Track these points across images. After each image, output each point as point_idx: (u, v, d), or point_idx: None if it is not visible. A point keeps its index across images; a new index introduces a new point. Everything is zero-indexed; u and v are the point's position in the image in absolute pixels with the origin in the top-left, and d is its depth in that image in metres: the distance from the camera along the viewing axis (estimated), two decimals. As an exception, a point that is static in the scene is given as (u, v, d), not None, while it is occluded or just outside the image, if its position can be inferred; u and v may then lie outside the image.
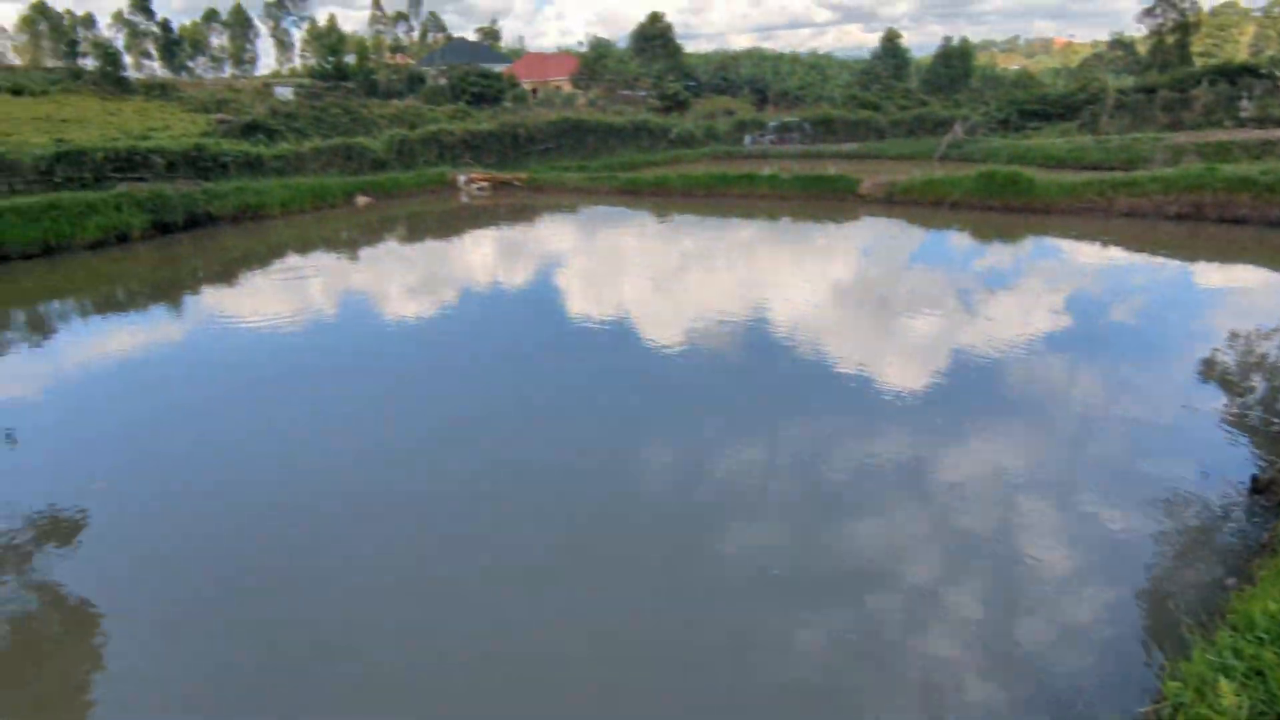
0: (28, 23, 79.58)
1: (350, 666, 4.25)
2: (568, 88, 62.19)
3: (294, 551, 5.40)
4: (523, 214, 22.63)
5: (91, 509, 5.98)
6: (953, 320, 10.44)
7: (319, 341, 10.43)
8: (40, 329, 11.77)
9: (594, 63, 63.54)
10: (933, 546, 5.23)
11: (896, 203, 20.76)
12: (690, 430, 7.25)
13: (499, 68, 61.10)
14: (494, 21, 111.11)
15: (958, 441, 6.81)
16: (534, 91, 57.72)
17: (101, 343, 10.84)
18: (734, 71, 61.40)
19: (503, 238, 18.95)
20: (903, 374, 8.41)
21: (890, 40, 58.01)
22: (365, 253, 17.53)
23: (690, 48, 70.86)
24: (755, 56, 65.71)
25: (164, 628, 4.65)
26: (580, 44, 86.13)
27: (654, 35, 62.50)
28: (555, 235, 19.01)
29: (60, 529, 5.77)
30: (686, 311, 11.35)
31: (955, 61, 55.75)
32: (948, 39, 57.37)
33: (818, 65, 64.86)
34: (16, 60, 74.29)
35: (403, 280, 14.36)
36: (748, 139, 39.17)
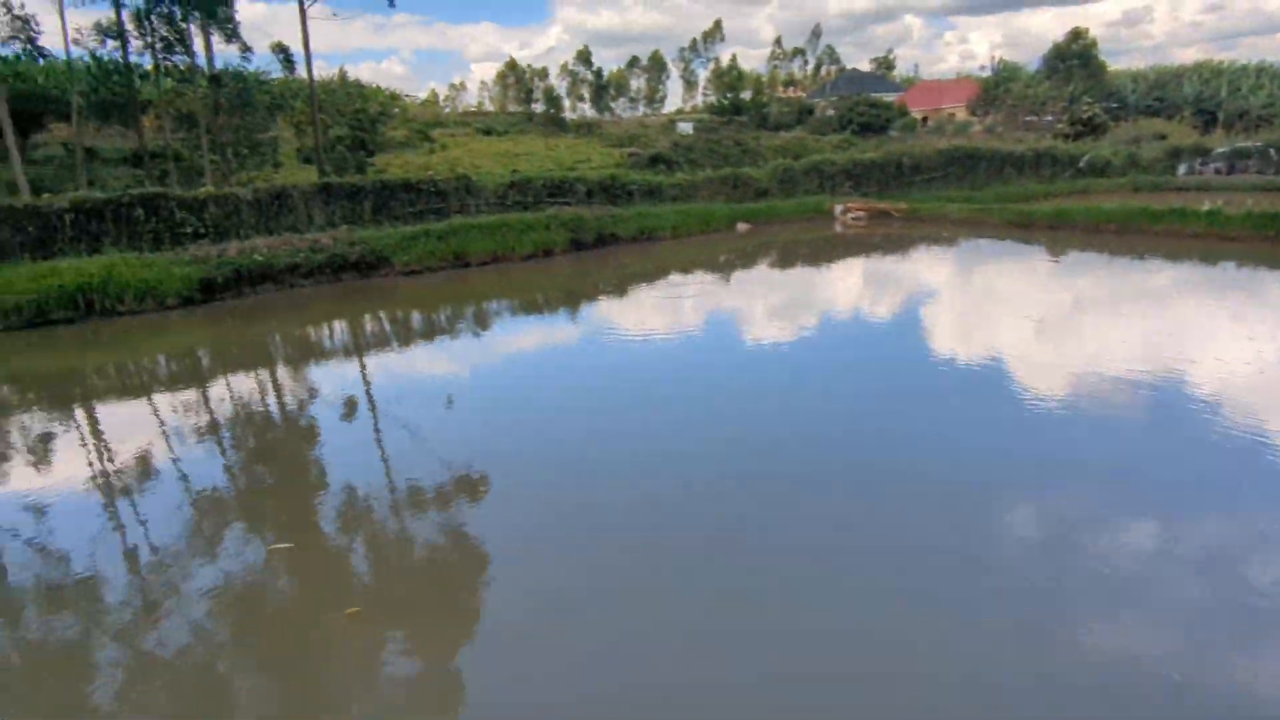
0: (501, 77, 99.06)
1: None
2: (962, 115, 58.63)
3: (661, 519, 5.81)
4: (897, 244, 21.83)
5: (497, 469, 7.15)
6: None
7: (689, 352, 11.19)
8: (482, 322, 14.46)
9: (995, 87, 58.97)
10: None
11: None
12: (1055, 498, 6.25)
13: (890, 97, 59.89)
14: (889, 52, 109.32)
15: None
16: (924, 120, 55.50)
17: (520, 337, 13.01)
18: (1173, 89, 52.22)
19: (872, 268, 18.47)
20: None
21: None
22: (739, 275, 18.42)
23: (1117, 65, 62.00)
24: (1205, 71, 55.00)
25: (537, 568, 5.33)
26: (982, 69, 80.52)
27: (1072, 54, 56.00)
28: (928, 268, 17.96)
29: (472, 482, 7.00)
30: (1073, 362, 9.88)
31: None
32: None
33: (1296, 78, 52.15)
34: (491, 107, 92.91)
35: (768, 303, 14.78)
36: (1182, 168, 32.97)
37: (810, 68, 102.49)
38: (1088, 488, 6.48)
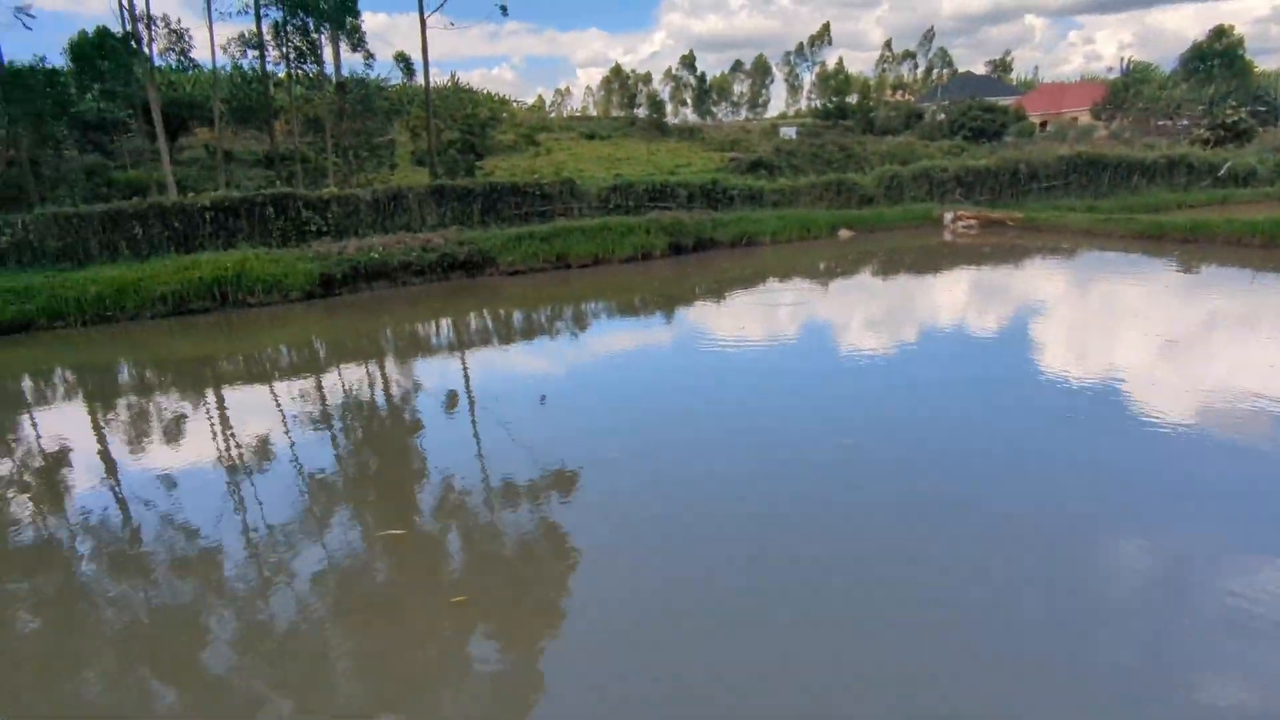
0: (605, 82, 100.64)
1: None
2: (1086, 119, 55.44)
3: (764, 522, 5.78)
4: (1009, 255, 20.82)
5: (590, 470, 7.27)
6: None
7: (784, 362, 11.04)
8: (580, 323, 14.71)
9: (1124, 90, 55.40)
10: None
11: None
12: (1175, 534, 5.79)
13: (1006, 100, 57.30)
14: (1007, 53, 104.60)
15: None
16: (1043, 125, 52.79)
17: (617, 338, 13.16)
18: (1333, 91, 47.71)
19: (981, 279, 17.67)
20: None
21: None
22: (838, 283, 18.03)
23: (1266, 64, 57.12)
24: (1372, 70, 49.96)
25: (615, 567, 5.38)
26: (1110, 70, 75.92)
27: (1214, 53, 52.03)
28: (1042, 280, 17.02)
29: (564, 479, 7.13)
30: (1203, 384, 9.15)
31: None
32: None
33: None
34: (594, 112, 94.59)
35: (868, 313, 14.39)
36: (1342, 177, 30.06)
37: (920, 71, 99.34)
38: (1219, 522, 6.01)
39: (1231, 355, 10.60)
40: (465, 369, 11.78)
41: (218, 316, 15.69)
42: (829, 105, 62.09)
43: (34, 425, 9.79)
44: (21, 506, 7.17)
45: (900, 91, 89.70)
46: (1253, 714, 4.06)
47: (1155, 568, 5.49)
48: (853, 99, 63.27)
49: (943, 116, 51.91)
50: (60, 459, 8.50)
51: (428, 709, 4.35)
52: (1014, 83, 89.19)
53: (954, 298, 15.62)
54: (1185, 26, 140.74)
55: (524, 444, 8.16)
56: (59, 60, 25.89)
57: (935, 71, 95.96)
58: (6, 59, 22.83)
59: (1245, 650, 4.51)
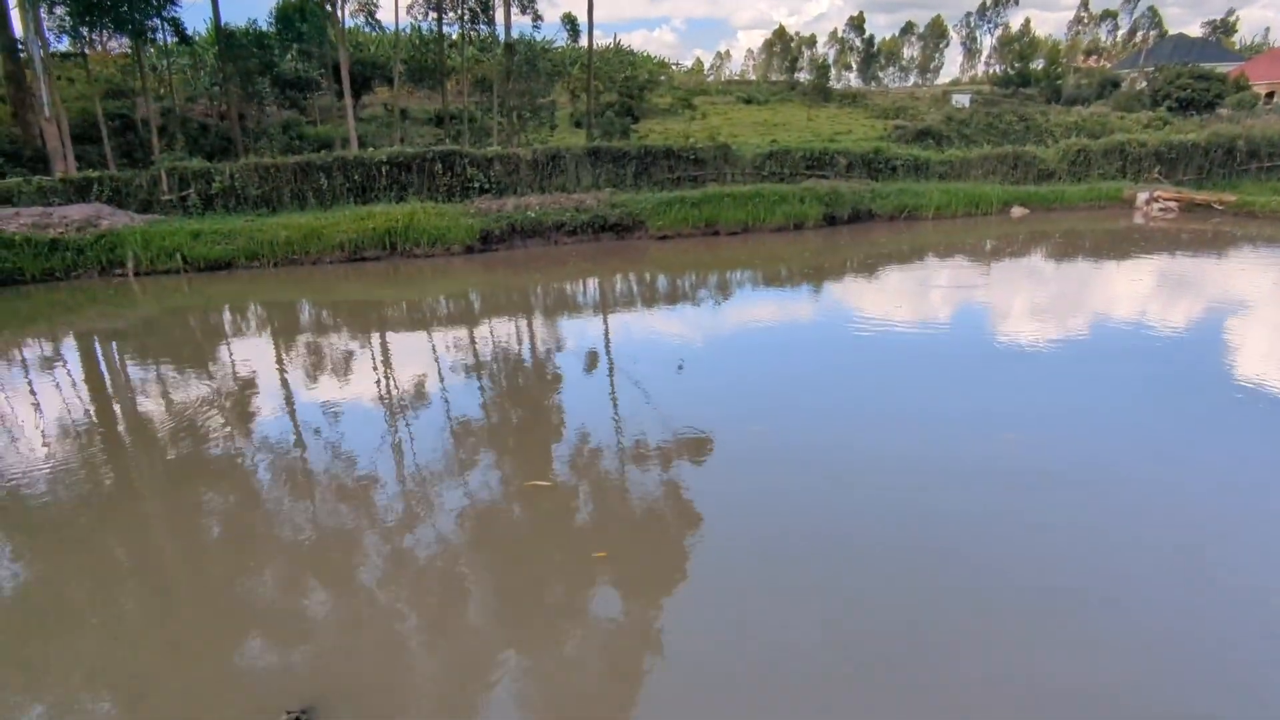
0: (768, 45, 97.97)
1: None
2: (1326, 90, 48.21)
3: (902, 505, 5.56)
4: (1211, 243, 18.53)
5: (719, 438, 7.22)
6: None
7: (933, 348, 10.42)
8: (724, 290, 14.57)
9: (1381, 56, 47.44)
10: None
11: None
12: None
13: (1226, 67, 50.71)
14: (1230, 13, 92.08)
15: None
16: (1269, 95, 46.35)
17: (757, 309, 12.93)
18: None
19: (1171, 268, 15.82)
20: None
21: None
22: (1003, 265, 16.76)
23: None
24: None
25: (737, 539, 5.32)
26: (1364, 32, 65.42)
27: None
28: (1246, 272, 14.99)
29: (693, 446, 7.12)
30: None
31: None
32: None
33: None
34: (753, 76, 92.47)
35: (1031, 300, 13.26)
36: None
37: (1122, 33, 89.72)
38: None
39: None
40: (607, 330, 12.00)
41: (387, 264, 16.83)
42: (1009, 71, 57.43)
43: (230, 354, 10.94)
44: (214, 425, 8.06)
45: (1095, 56, 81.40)
46: None
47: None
48: (1037, 64, 58.18)
49: (1144, 84, 46.70)
50: (249, 385, 9.46)
51: (555, 650, 4.51)
52: (1236, 47, 78.58)
53: (1135, 289, 14.11)
54: None
55: (661, 407, 8.21)
56: (267, 24, 28.33)
57: (1140, 34, 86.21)
58: (223, 22, 25.24)
59: None
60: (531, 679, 4.30)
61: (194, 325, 12.75)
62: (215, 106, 30.08)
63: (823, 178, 22.91)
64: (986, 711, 4.00)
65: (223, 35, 25.19)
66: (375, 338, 11.75)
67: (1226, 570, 5.16)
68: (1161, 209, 23.40)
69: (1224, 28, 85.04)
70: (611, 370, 9.85)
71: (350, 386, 9.27)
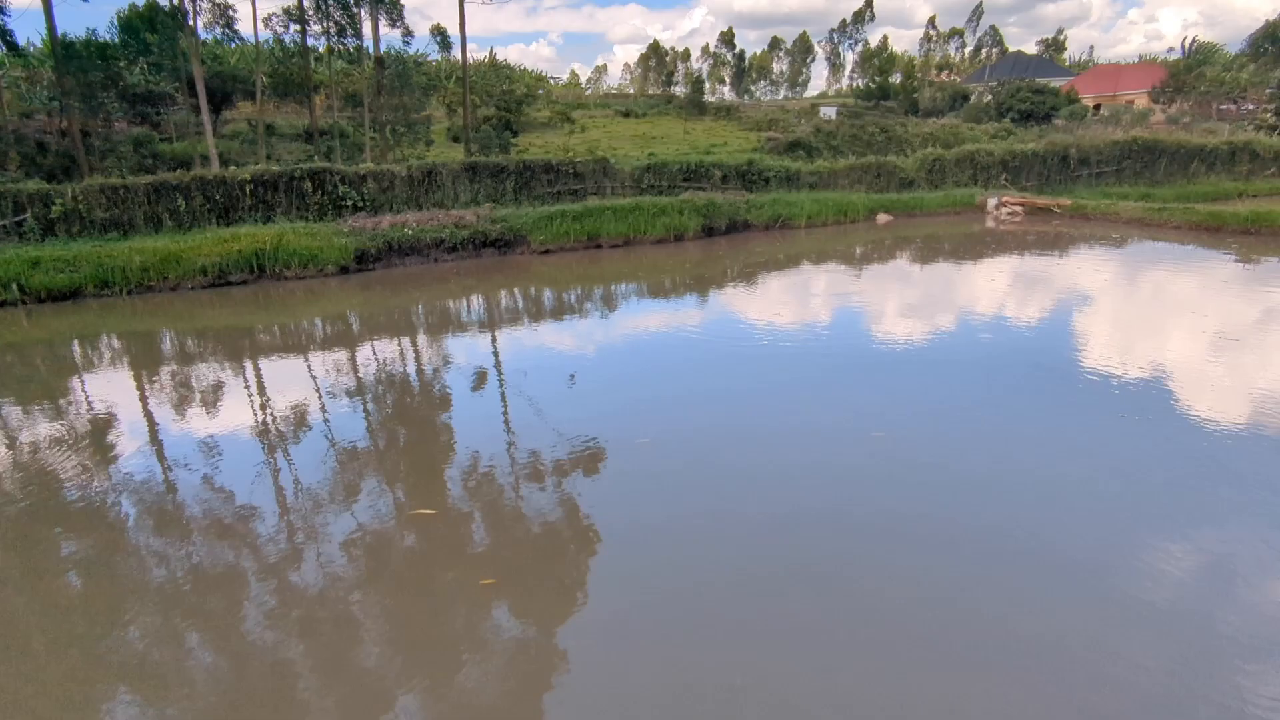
0: (643, 59, 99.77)
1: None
2: (1143, 103, 53.70)
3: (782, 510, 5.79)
4: (1054, 244, 20.30)
5: (609, 451, 7.31)
6: None
7: (814, 348, 10.94)
8: (609, 303, 14.73)
9: (1186, 72, 53.39)
10: None
11: None
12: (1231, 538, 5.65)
13: (1058, 82, 55.64)
14: (1060, 32, 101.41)
15: None
16: (1096, 108, 51.24)
17: (645, 319, 13.15)
18: None
19: (1022, 268, 17.25)
20: None
21: None
22: (872, 269, 17.77)
23: (1338, 47, 54.51)
24: None
25: (630, 550, 5.43)
26: (1171, 51, 73.30)
27: (1282, 34, 49.96)
28: (1088, 271, 16.56)
29: (583, 461, 7.18)
30: (1258, 383, 8.87)
31: None
32: None
33: None
34: (631, 90, 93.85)
35: (901, 300, 14.16)
36: None
37: (968, 50, 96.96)
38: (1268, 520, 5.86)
39: (1280, 352, 10.25)
40: (495, 346, 11.89)
41: (255, 289, 16.00)
42: (871, 85, 60.92)
43: (83, 389, 10.10)
44: (71, 465, 7.43)
45: (946, 72, 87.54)
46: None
47: (1197, 567, 5.37)
48: (896, 79, 61.98)
49: (990, 98, 50.65)
50: (106, 422, 8.77)
51: (451, 678, 4.44)
52: (1067, 63, 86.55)
53: (993, 286, 15.31)
54: (1257, 4, 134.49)
55: (552, 422, 8.23)
56: (109, 34, 26.37)
57: (984, 51, 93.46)
58: (60, 32, 23.33)
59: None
60: (424, 715, 4.21)
61: (38, 361, 11.68)
62: (55, 122, 27.71)
63: (700, 190, 23.55)
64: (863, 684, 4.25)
65: (59, 45, 23.27)
66: (248, 366, 11.15)
67: (1066, 537, 5.69)
68: (1009, 213, 25.44)
69: (1055, 45, 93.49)
70: (502, 386, 9.77)
71: (222, 418, 8.77)
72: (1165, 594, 5.03)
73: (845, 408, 8.55)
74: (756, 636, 4.72)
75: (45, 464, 7.52)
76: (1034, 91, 46.68)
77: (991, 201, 26.09)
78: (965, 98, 55.53)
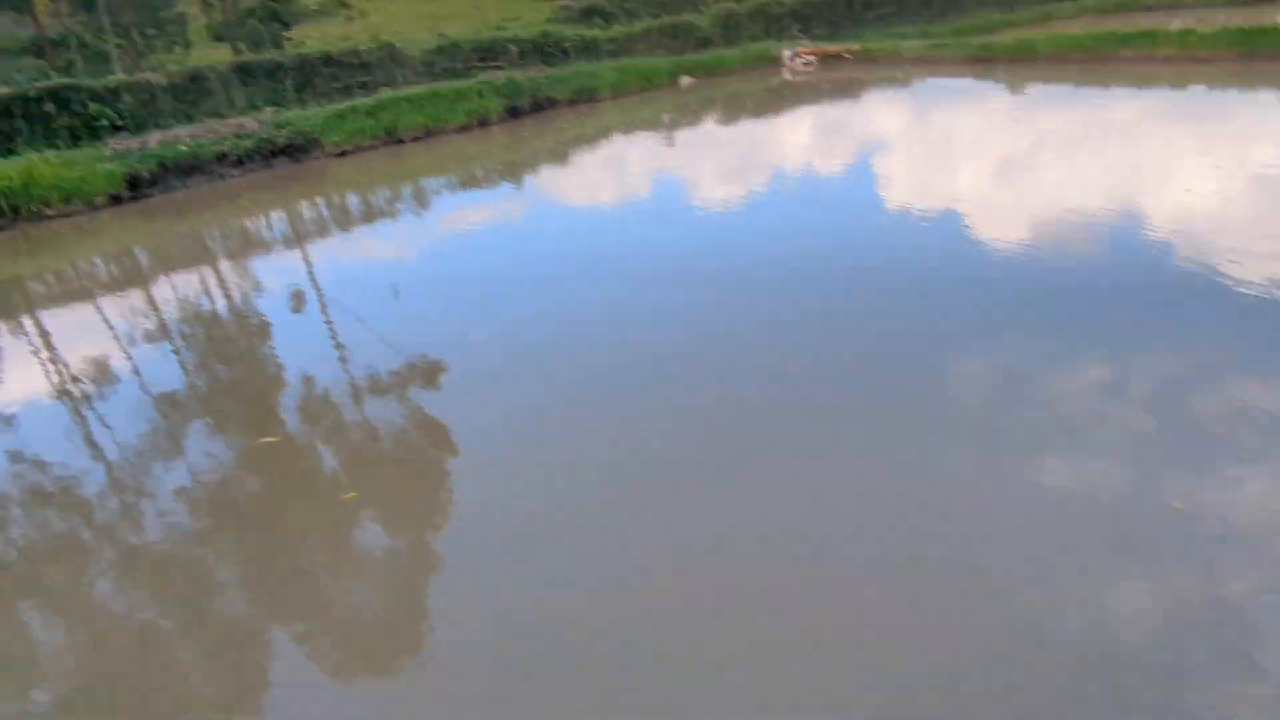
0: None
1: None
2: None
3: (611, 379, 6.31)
4: (847, 90, 21.53)
5: (453, 353, 7.53)
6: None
7: (635, 218, 11.39)
8: (421, 201, 14.34)
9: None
10: None
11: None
12: (1009, 347, 6.79)
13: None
14: None
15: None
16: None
17: (462, 213, 13.01)
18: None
19: (821, 118, 18.31)
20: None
21: None
22: (683, 135, 18.22)
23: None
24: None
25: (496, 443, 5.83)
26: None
27: None
28: (879, 115, 17.87)
29: (427, 368, 7.38)
30: (1033, 206, 10.24)
31: None
32: None
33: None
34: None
35: (715, 163, 14.79)
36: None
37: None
38: (1040, 330, 7.04)
39: (1056, 173, 11.65)
40: (308, 263, 11.41)
41: (11, 234, 14.10)
42: (662, -62, 59.11)
43: None
44: None
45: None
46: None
47: (990, 371, 6.47)
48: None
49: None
50: None
51: (324, 602, 4.67)
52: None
53: (797, 141, 16.22)
54: None
55: (383, 333, 8.22)
56: None
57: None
58: None
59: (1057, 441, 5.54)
60: (302, 643, 4.27)
61: None
62: None
63: (498, 69, 22.64)
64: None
65: None
66: (27, 323, 10.10)
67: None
68: (804, 63, 26.43)
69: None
70: (323, 305, 9.53)
71: (11, 386, 8.05)
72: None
73: (676, 268, 9.06)
74: (627, 514, 4.95)
75: None
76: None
77: (786, 54, 26.94)
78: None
